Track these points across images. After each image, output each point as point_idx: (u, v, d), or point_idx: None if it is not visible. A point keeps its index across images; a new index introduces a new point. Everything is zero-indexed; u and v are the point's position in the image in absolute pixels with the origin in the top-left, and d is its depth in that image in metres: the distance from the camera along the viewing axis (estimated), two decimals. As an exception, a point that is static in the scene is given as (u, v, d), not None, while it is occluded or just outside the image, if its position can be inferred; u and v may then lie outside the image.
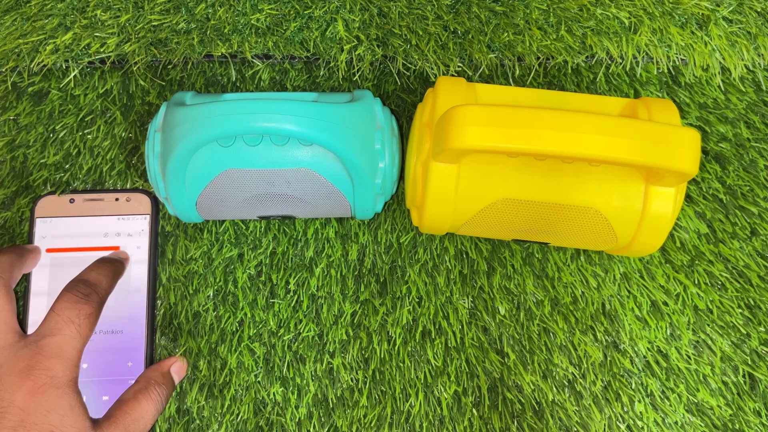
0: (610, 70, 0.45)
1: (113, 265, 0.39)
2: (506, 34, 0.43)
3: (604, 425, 0.41)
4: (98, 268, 0.38)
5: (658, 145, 0.30)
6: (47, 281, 0.41)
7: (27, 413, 0.32)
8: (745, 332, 0.42)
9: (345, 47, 0.43)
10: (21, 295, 0.42)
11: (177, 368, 0.40)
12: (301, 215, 0.40)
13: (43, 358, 0.33)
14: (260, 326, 0.42)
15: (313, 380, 0.41)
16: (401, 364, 0.42)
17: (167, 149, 0.36)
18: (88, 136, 0.44)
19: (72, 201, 0.42)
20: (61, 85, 0.45)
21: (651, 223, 0.35)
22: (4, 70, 0.44)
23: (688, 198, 0.44)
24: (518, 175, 0.35)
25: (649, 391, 0.41)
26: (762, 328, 0.42)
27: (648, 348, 0.42)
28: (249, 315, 0.42)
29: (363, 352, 0.42)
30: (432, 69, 0.44)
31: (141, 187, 0.43)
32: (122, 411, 0.36)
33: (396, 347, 0.42)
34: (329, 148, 0.35)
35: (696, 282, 0.42)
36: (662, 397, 0.41)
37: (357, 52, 0.43)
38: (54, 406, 0.32)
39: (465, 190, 0.35)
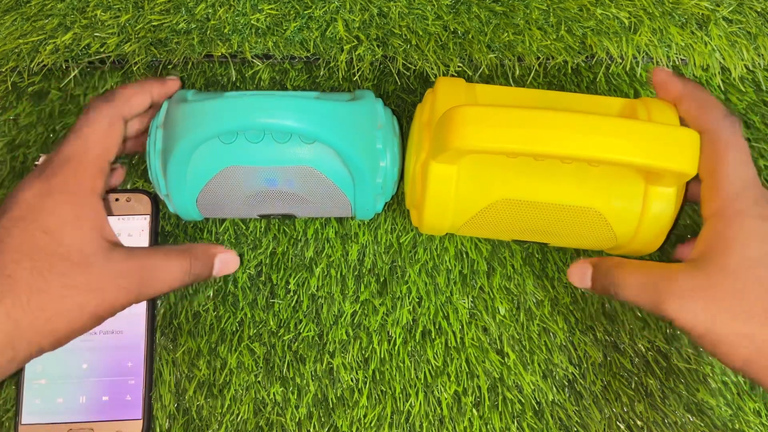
0: (610, 70, 0.45)
1: (147, 82, 0.38)
2: (506, 34, 0.43)
3: (604, 425, 0.41)
4: (132, 84, 0.38)
5: (657, 146, 0.30)
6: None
7: (31, 210, 0.32)
8: (745, 332, 0.42)
9: (345, 47, 0.43)
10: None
11: (223, 258, 0.38)
12: (302, 214, 0.40)
13: (55, 164, 0.34)
14: (260, 326, 0.42)
15: (313, 380, 0.41)
16: (401, 364, 0.42)
17: (169, 146, 0.36)
18: (88, 136, 0.44)
19: (72, 201, 0.42)
20: (61, 85, 0.45)
21: (650, 223, 0.35)
22: (4, 70, 0.44)
23: (688, 198, 0.44)
24: (517, 175, 0.35)
25: (649, 391, 0.41)
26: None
27: (648, 348, 0.42)
28: (249, 315, 0.42)
29: (363, 352, 0.42)
30: (432, 69, 0.44)
31: (141, 187, 0.43)
32: (146, 253, 0.34)
33: (396, 347, 0.42)
34: (331, 145, 0.35)
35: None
36: (662, 397, 0.41)
37: (357, 52, 0.43)
38: (57, 210, 0.32)
39: (464, 191, 0.35)
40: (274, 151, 0.36)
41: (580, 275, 0.37)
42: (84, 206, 0.33)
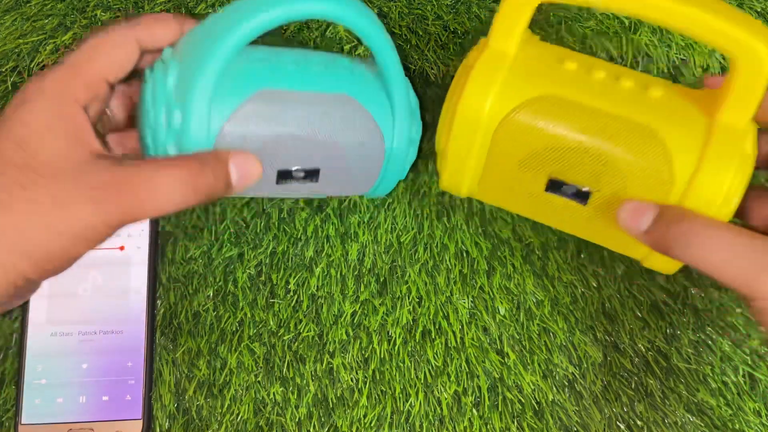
0: (610, 70, 0.45)
1: (182, 17, 0.33)
2: (506, 34, 0.43)
3: (604, 425, 0.41)
4: (163, 13, 0.34)
5: (740, 19, 0.29)
6: (47, 282, 0.41)
7: (5, 122, 0.29)
8: (745, 332, 0.42)
9: (345, 47, 0.43)
10: (21, 295, 0.42)
11: (239, 162, 0.31)
12: (327, 175, 0.36)
13: (43, 72, 0.30)
14: (260, 326, 0.42)
15: (313, 380, 0.41)
16: (401, 364, 0.42)
17: (191, 70, 0.31)
18: (88, 136, 0.44)
19: (72, 201, 0.42)
20: (61, 85, 0.45)
21: (714, 162, 0.30)
22: (4, 70, 0.44)
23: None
24: (572, 79, 0.33)
25: (649, 391, 0.41)
26: (762, 328, 0.42)
27: (648, 348, 0.42)
28: (249, 315, 0.42)
29: (363, 352, 0.42)
30: (432, 69, 0.44)
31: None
32: (135, 165, 0.29)
33: (396, 347, 0.42)
34: (380, 47, 0.34)
35: (696, 282, 0.42)
36: (662, 397, 0.41)
37: (357, 52, 0.43)
38: (29, 119, 0.28)
39: (514, 76, 0.33)
40: (312, 76, 0.33)
41: (637, 215, 0.30)
42: (58, 114, 0.29)
